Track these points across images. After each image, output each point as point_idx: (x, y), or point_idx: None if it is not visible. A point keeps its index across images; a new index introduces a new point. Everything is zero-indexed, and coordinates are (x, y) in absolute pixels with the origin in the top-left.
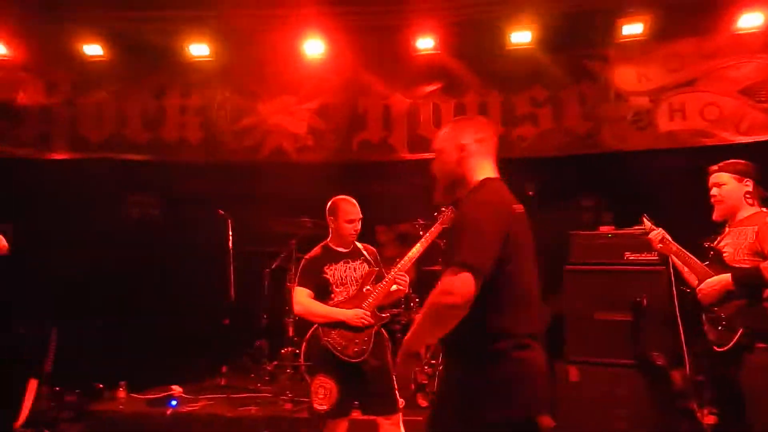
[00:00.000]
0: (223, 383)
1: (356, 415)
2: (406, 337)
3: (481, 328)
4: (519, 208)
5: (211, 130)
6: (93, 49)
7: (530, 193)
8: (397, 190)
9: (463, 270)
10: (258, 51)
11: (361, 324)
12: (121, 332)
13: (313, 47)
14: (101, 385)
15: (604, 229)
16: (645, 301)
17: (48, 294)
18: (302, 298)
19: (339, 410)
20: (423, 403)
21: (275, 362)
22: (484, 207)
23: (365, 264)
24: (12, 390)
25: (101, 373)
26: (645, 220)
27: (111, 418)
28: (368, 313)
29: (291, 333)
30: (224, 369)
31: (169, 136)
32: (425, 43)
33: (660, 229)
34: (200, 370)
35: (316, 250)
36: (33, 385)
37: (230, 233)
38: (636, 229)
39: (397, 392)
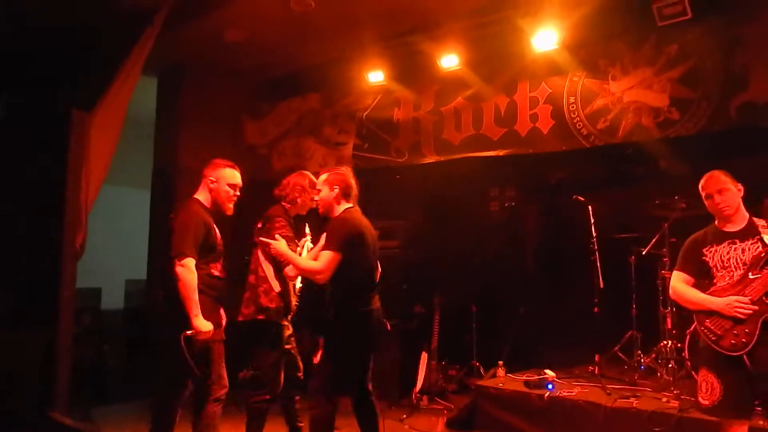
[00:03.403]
0: (596, 372)
1: (761, 422)
2: None
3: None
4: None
5: (561, 117)
6: (449, 61)
7: None
8: None
9: None
10: (605, 26)
11: (735, 314)
12: (492, 318)
13: (672, 9)
14: (478, 364)
15: None
16: None
17: (431, 281)
18: (676, 283)
19: (728, 410)
20: None
21: (652, 355)
22: None
23: (759, 244)
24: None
25: (477, 353)
26: None
27: (493, 394)
28: (746, 301)
29: (669, 325)
30: (597, 358)
31: (521, 129)
32: None
33: None
34: (570, 358)
35: (701, 231)
36: (424, 357)
37: (592, 219)
38: None
39: None
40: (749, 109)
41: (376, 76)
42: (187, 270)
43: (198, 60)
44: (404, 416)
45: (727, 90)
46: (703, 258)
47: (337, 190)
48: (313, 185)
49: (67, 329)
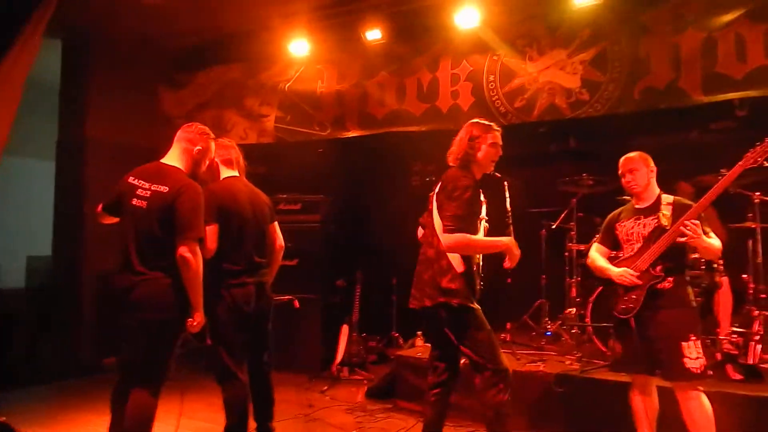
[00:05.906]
0: (507, 339)
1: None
2: None
3: None
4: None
5: (481, 95)
6: (374, 35)
7: None
8: (693, 139)
9: None
10: (526, 6)
11: (622, 282)
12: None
13: None
14: (397, 335)
15: None
16: None
17: (354, 256)
18: (592, 252)
19: (626, 366)
20: (734, 375)
21: (558, 322)
22: None
23: (657, 220)
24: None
25: (397, 324)
26: None
27: (412, 363)
28: (634, 272)
29: (573, 294)
30: (508, 326)
31: (443, 106)
32: None
33: None
34: None
35: (621, 207)
36: (345, 330)
37: (507, 195)
38: None
39: (688, 360)
40: (651, 93)
41: (300, 48)
42: None
43: (107, 24)
44: (325, 388)
45: (632, 74)
46: (615, 232)
47: (218, 161)
48: (485, 130)
49: None
